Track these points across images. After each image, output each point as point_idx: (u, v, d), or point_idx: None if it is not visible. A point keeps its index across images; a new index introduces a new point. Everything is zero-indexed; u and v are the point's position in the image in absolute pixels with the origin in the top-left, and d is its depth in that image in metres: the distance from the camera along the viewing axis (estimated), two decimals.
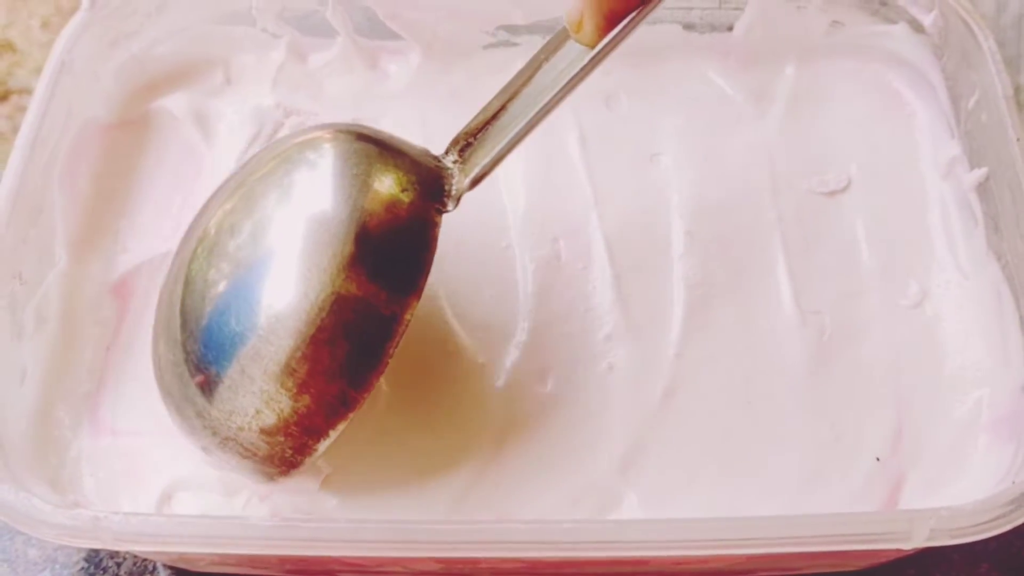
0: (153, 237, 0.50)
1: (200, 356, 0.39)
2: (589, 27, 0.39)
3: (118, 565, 0.49)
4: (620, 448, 0.44)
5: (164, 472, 0.44)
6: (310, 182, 0.39)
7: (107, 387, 0.46)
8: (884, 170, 0.52)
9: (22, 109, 0.53)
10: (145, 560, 0.49)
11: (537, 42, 0.55)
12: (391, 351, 0.37)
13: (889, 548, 0.37)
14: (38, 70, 0.51)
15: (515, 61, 0.55)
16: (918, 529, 0.36)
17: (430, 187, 0.39)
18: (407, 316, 0.37)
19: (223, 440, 0.39)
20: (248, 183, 0.40)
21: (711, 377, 0.46)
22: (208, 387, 0.39)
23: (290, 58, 0.56)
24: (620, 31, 0.39)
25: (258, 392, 0.38)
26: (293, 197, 0.39)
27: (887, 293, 0.48)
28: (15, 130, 0.49)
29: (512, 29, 0.55)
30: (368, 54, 0.56)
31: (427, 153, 0.41)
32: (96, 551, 0.49)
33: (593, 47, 0.39)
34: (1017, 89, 0.59)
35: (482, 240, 0.50)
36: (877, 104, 0.54)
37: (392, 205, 0.38)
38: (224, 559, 0.43)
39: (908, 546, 0.37)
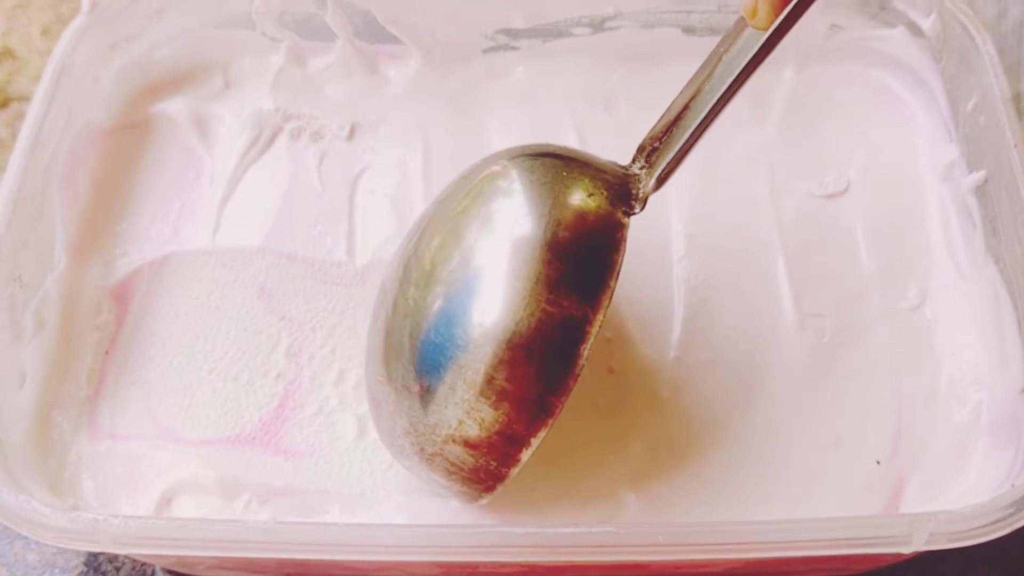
0: (153, 241, 0.50)
1: (406, 375, 0.39)
2: (763, 10, 0.39)
3: (117, 569, 0.49)
4: (620, 451, 0.44)
5: (163, 476, 0.44)
6: (505, 208, 0.39)
7: (106, 391, 0.46)
8: (883, 173, 0.52)
9: (22, 116, 0.53)
10: (144, 564, 0.49)
11: (537, 46, 0.55)
12: (585, 353, 0.37)
13: (888, 552, 0.37)
14: (38, 77, 0.51)
15: (515, 65, 0.56)
16: (917, 533, 0.36)
17: (617, 192, 0.39)
18: (598, 317, 0.37)
19: (430, 457, 0.39)
20: (451, 218, 0.40)
21: (711, 380, 0.46)
22: (414, 404, 0.39)
23: (289, 62, 0.56)
24: (794, 8, 0.39)
25: (459, 403, 0.38)
26: (492, 223, 0.39)
27: (887, 296, 0.48)
28: (15, 137, 0.49)
29: (512, 33, 0.55)
30: (367, 58, 0.56)
31: (613, 163, 0.41)
32: (95, 555, 0.49)
33: (767, 29, 0.40)
34: (1017, 96, 0.59)
35: None
36: (876, 107, 0.54)
37: (581, 214, 0.38)
38: (222, 562, 0.43)
39: (907, 550, 0.37)
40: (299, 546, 0.37)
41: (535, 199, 0.39)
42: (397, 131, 0.54)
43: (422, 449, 0.40)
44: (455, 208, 0.40)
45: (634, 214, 0.39)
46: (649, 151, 0.41)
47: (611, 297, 0.37)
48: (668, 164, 0.40)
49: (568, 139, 0.53)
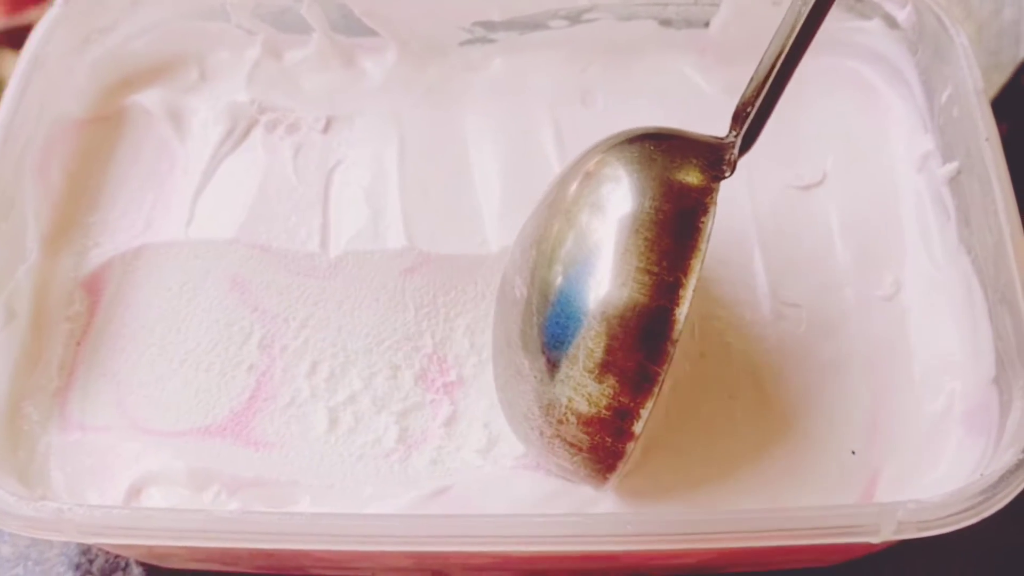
0: (125, 232, 0.50)
1: (520, 359, 0.40)
2: None
3: (90, 562, 0.49)
4: None
5: (132, 467, 0.43)
6: (607, 192, 0.39)
7: (76, 382, 0.46)
8: (859, 164, 0.52)
9: None
10: (118, 557, 0.49)
11: (514, 38, 0.55)
12: (680, 318, 0.37)
13: (857, 542, 0.37)
14: None
15: (492, 58, 0.56)
16: (885, 523, 0.36)
17: (707, 160, 0.40)
18: (690, 280, 0.37)
19: (550, 440, 0.40)
20: (565, 208, 0.40)
21: (688, 371, 0.46)
22: (527, 387, 0.40)
23: (265, 55, 0.55)
24: None
25: (566, 380, 0.38)
26: (599, 207, 0.39)
27: (862, 285, 0.48)
28: None
29: (488, 25, 0.55)
30: (344, 51, 0.56)
31: (710, 136, 0.42)
32: (68, 548, 0.49)
33: None
34: (1007, 88, 0.59)
35: (456, 235, 0.49)
36: (852, 99, 0.54)
37: (667, 182, 0.39)
38: (194, 554, 0.43)
39: (876, 540, 0.36)
40: (266, 535, 0.37)
41: (630, 179, 0.39)
42: (373, 124, 0.54)
43: (541, 433, 0.40)
44: (568, 197, 0.40)
45: (724, 178, 0.39)
46: (742, 117, 0.41)
47: (702, 260, 0.37)
48: (751, 125, 0.41)
49: (545, 132, 0.53)
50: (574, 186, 0.40)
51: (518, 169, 0.52)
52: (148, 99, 0.54)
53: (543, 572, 0.46)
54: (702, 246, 0.37)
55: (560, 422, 0.39)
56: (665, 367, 0.37)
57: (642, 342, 0.37)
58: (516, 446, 0.44)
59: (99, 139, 0.53)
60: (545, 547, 0.37)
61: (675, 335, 0.36)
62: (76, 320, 0.48)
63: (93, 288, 0.48)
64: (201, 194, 0.51)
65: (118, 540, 0.37)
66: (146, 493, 0.43)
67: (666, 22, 0.55)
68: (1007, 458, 0.37)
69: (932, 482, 0.42)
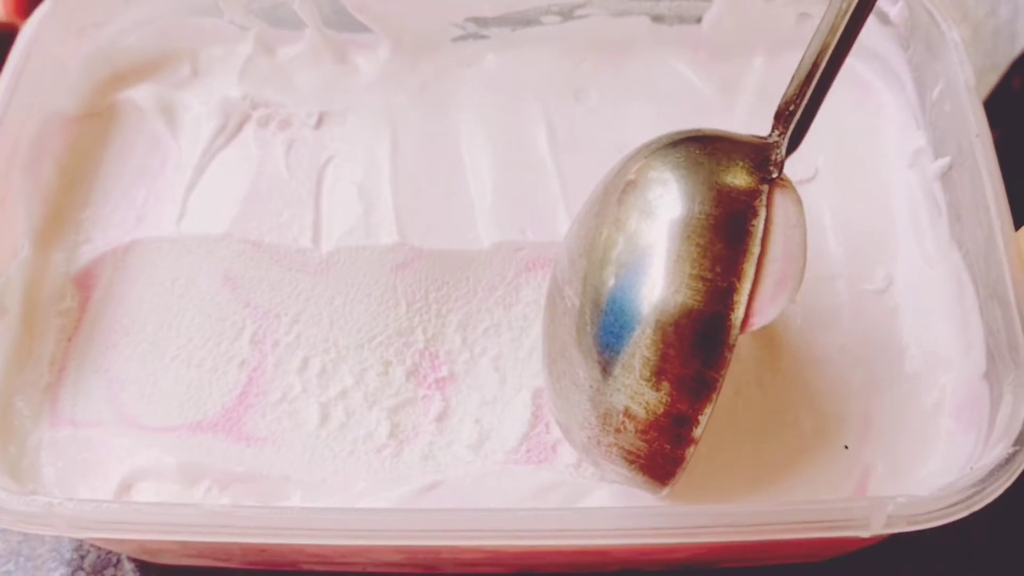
0: (117, 228, 0.50)
1: (573, 369, 0.40)
2: None
3: (82, 558, 0.49)
4: None
5: (124, 462, 0.43)
6: (654, 196, 0.39)
7: (68, 378, 0.46)
8: (851, 160, 0.52)
9: None
10: (110, 553, 0.48)
11: (507, 34, 0.55)
12: (736, 322, 0.36)
13: (846, 536, 0.37)
14: None
15: (484, 54, 0.56)
16: (875, 516, 0.36)
17: (753, 162, 0.39)
18: (743, 285, 0.37)
19: (607, 448, 0.39)
20: (612, 214, 0.40)
21: None
22: (583, 397, 0.39)
23: (258, 50, 0.55)
24: None
25: (622, 389, 0.38)
26: (647, 212, 0.39)
27: (854, 279, 0.48)
28: None
29: (481, 21, 0.55)
30: (337, 47, 0.56)
31: (752, 136, 0.41)
32: (60, 544, 0.49)
33: None
34: (1011, 91, 0.59)
35: (448, 231, 0.49)
36: (845, 95, 0.54)
37: (715, 187, 0.38)
38: (186, 549, 0.43)
39: (866, 533, 0.36)
40: (256, 530, 0.37)
41: (678, 184, 0.39)
42: (366, 119, 0.54)
43: (599, 442, 0.39)
44: (616, 204, 0.40)
45: (772, 179, 0.39)
46: (785, 116, 0.41)
47: (755, 263, 0.37)
48: (797, 124, 0.40)
49: (538, 128, 0.53)
50: (620, 193, 0.40)
51: (510, 165, 0.52)
52: (140, 95, 0.53)
53: (534, 567, 0.46)
54: (754, 249, 0.37)
55: (617, 431, 0.38)
56: (723, 372, 0.36)
57: (699, 348, 0.37)
58: (507, 441, 0.44)
59: (91, 135, 0.53)
60: (536, 541, 0.37)
61: (732, 340, 0.36)
62: (67, 316, 0.48)
63: (84, 284, 0.48)
64: (193, 190, 0.51)
65: (109, 534, 0.37)
66: (137, 488, 0.43)
67: (658, 18, 0.55)
68: (997, 452, 0.37)
69: (923, 477, 0.42)
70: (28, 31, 0.51)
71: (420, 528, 0.37)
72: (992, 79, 0.60)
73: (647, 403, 0.37)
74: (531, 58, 0.56)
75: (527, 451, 0.44)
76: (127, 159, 0.52)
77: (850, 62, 0.54)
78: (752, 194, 0.38)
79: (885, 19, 0.53)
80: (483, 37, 0.56)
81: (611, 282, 0.38)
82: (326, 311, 0.48)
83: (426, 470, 0.44)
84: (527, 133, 0.53)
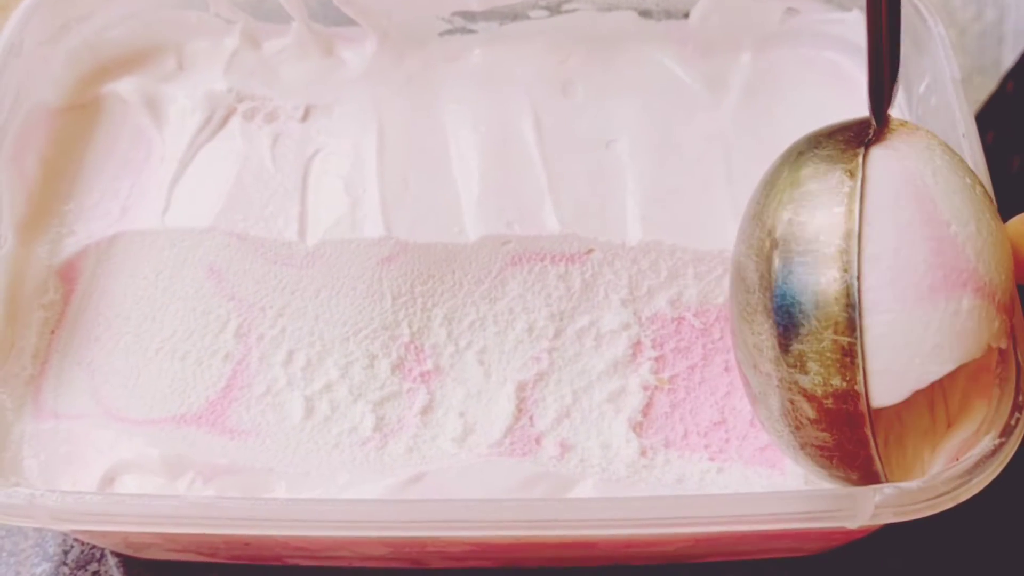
0: (100, 220, 0.50)
1: (756, 367, 0.38)
2: None
3: (65, 553, 0.48)
4: None
5: (106, 455, 0.43)
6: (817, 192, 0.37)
7: (51, 370, 0.46)
8: None
9: None
10: (93, 548, 0.48)
11: (494, 29, 0.55)
12: (850, 283, 0.35)
13: (833, 527, 0.37)
14: None
15: (472, 48, 0.56)
16: (862, 507, 0.36)
17: (853, 135, 0.38)
18: (852, 245, 0.35)
19: (801, 448, 0.38)
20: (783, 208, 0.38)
21: (668, 363, 0.46)
22: (771, 395, 0.38)
23: (244, 44, 0.55)
24: None
25: (781, 383, 0.37)
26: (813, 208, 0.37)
27: None
28: None
29: (468, 16, 0.55)
30: (323, 40, 0.55)
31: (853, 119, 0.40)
32: (44, 539, 0.49)
33: None
34: (993, 96, 0.60)
35: (434, 224, 0.49)
36: (831, 90, 0.54)
37: (813, 163, 0.38)
38: (170, 543, 0.43)
39: (853, 525, 0.36)
40: (240, 521, 0.37)
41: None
42: (352, 113, 0.54)
43: (795, 447, 0.38)
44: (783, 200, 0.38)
45: (870, 141, 0.38)
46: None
47: (860, 221, 0.35)
48: (872, 84, 0.40)
49: (525, 122, 0.53)
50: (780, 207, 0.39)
51: (497, 159, 0.52)
52: (125, 87, 0.53)
53: (521, 561, 0.45)
54: (855, 208, 0.36)
55: (797, 428, 0.37)
56: (857, 336, 0.35)
57: (824, 317, 0.35)
58: (491, 434, 0.44)
59: (75, 127, 0.53)
60: (520, 532, 0.37)
61: (852, 301, 0.35)
62: (51, 308, 0.47)
63: (68, 276, 0.48)
64: (178, 182, 0.51)
65: (92, 527, 0.37)
66: (120, 481, 0.43)
67: (646, 13, 0.55)
68: (984, 444, 0.37)
69: None
70: (12, 23, 0.51)
71: (404, 519, 0.36)
72: (979, 81, 0.60)
73: (804, 390, 0.36)
74: (518, 53, 0.56)
75: (511, 444, 0.44)
76: (111, 152, 0.52)
77: (836, 58, 0.55)
78: (850, 158, 0.37)
79: None
80: (470, 31, 0.56)
81: (777, 278, 0.37)
82: (311, 304, 0.47)
83: (410, 462, 0.43)
84: (514, 127, 0.53)
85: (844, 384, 0.35)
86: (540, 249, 0.49)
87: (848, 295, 0.35)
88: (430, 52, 0.56)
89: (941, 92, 0.47)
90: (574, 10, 0.55)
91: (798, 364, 0.36)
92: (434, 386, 0.46)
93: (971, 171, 0.38)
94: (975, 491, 0.37)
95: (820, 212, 0.36)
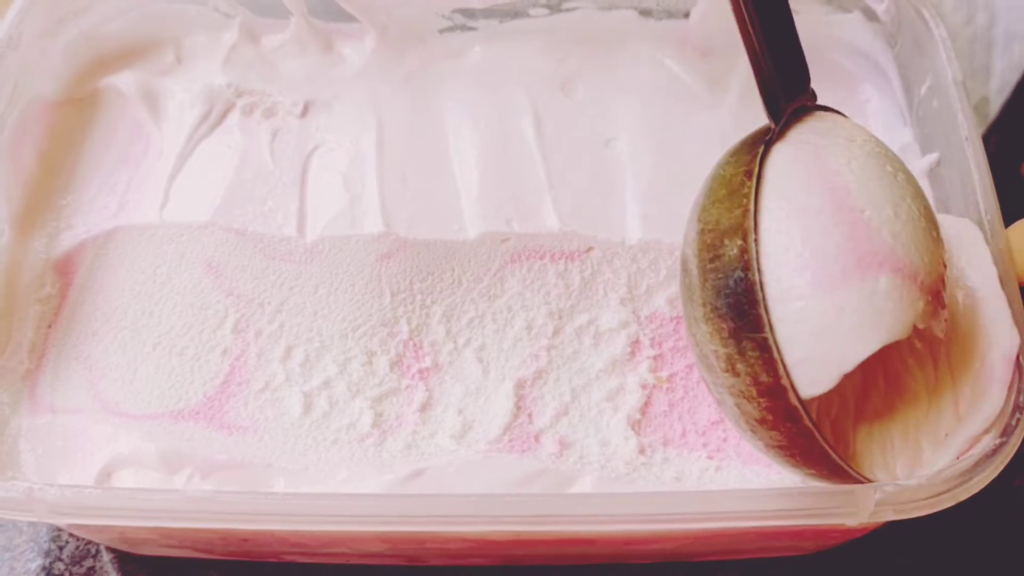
0: (98, 214, 0.49)
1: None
2: None
3: (60, 548, 0.48)
4: None
5: (104, 450, 0.43)
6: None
7: (47, 365, 0.46)
8: None
9: None
10: (88, 544, 0.48)
11: (494, 27, 0.55)
12: (754, 279, 0.35)
13: (835, 524, 0.37)
14: None
15: (471, 46, 0.56)
16: (863, 504, 0.36)
17: (759, 137, 0.39)
18: (749, 243, 0.36)
19: (766, 449, 0.38)
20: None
21: (667, 362, 0.46)
22: (722, 405, 0.38)
23: (243, 39, 0.55)
24: None
25: (724, 389, 0.37)
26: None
27: None
28: None
29: (468, 13, 0.55)
30: (323, 36, 0.55)
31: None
32: (39, 535, 0.48)
33: None
34: (984, 100, 0.60)
35: (433, 221, 0.49)
36: (832, 92, 0.53)
37: (720, 171, 0.39)
38: (167, 539, 0.43)
39: (854, 522, 0.36)
40: (238, 516, 0.36)
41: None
42: (351, 109, 0.53)
43: (761, 447, 0.38)
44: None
45: (770, 140, 0.38)
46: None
47: (756, 218, 0.36)
48: (762, 83, 0.40)
49: (525, 120, 0.53)
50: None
51: (497, 156, 0.52)
52: (123, 81, 0.53)
53: (520, 559, 0.45)
54: (751, 207, 0.36)
55: (752, 430, 0.37)
56: (768, 330, 0.35)
57: (736, 314, 0.36)
58: (489, 431, 0.44)
59: (73, 121, 0.52)
60: (520, 527, 0.37)
61: (757, 298, 0.35)
62: (47, 302, 0.47)
63: (65, 270, 0.48)
64: (176, 177, 0.51)
65: (90, 521, 0.37)
66: (117, 476, 0.42)
67: (646, 12, 0.55)
68: (984, 443, 0.37)
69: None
70: (10, 16, 0.50)
71: (404, 514, 0.36)
72: (971, 85, 0.60)
73: (741, 392, 0.36)
74: (518, 51, 0.56)
75: (510, 441, 0.44)
76: (109, 146, 0.52)
77: (837, 59, 0.55)
78: (749, 160, 0.38)
79: (872, 16, 0.53)
80: (470, 29, 0.55)
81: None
82: (310, 300, 0.47)
83: (409, 459, 0.43)
84: (514, 125, 0.53)
85: (770, 379, 0.36)
86: (539, 247, 0.48)
87: (752, 291, 0.35)
88: (430, 49, 0.55)
89: (943, 94, 0.48)
90: (574, 8, 0.55)
91: (730, 367, 0.36)
92: (433, 383, 0.46)
93: (896, 159, 0.38)
94: (975, 490, 0.37)
95: (725, 217, 0.37)
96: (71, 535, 0.48)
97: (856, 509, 0.36)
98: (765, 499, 0.37)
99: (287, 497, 0.38)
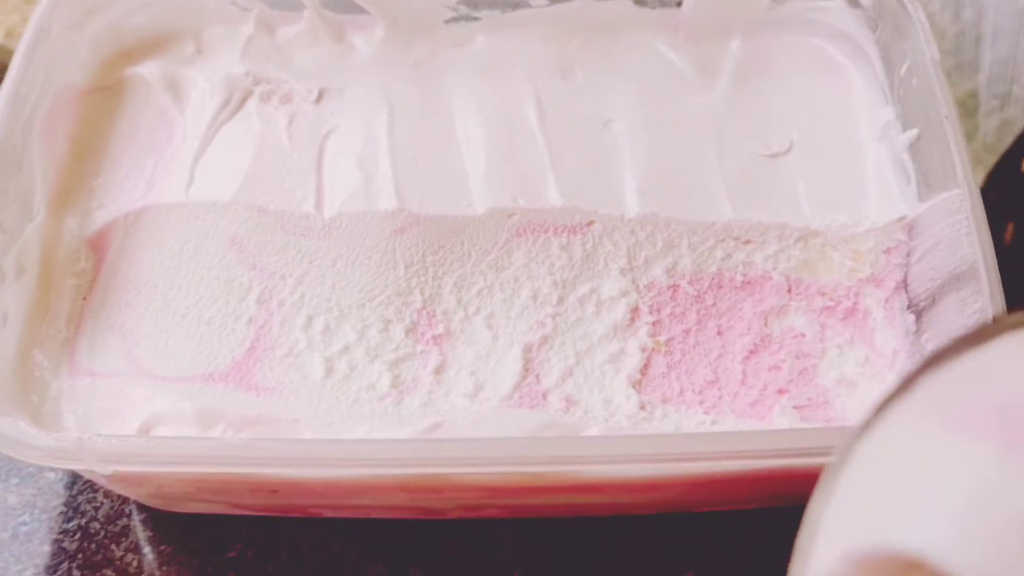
0: (128, 195, 0.52)
1: None
2: None
3: (96, 510, 0.51)
4: None
5: (141, 409, 0.45)
6: None
7: (84, 333, 0.48)
8: (823, 134, 0.55)
9: None
10: (122, 504, 0.51)
11: (497, 16, 0.58)
12: None
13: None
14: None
15: (475, 35, 0.59)
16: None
17: None
18: None
19: None
20: None
21: (664, 327, 0.49)
22: None
23: (259, 30, 0.58)
24: None
25: None
26: None
27: None
28: None
29: (472, 3, 0.58)
30: (334, 27, 0.58)
31: None
32: (73, 495, 0.51)
33: None
34: (972, 94, 0.62)
35: (443, 198, 0.52)
36: (817, 75, 0.57)
37: None
38: (200, 491, 0.45)
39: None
40: (274, 460, 0.39)
41: None
42: (363, 96, 0.56)
43: None
44: None
45: None
46: None
47: None
48: None
49: (527, 104, 0.56)
50: None
51: (502, 137, 0.54)
52: (147, 70, 0.56)
53: (531, 510, 0.48)
54: None
55: None
56: None
57: None
58: (500, 390, 0.47)
59: (101, 108, 0.55)
60: (532, 467, 0.40)
61: None
62: (82, 276, 0.50)
63: (98, 246, 0.51)
64: (200, 159, 0.53)
65: (135, 467, 0.39)
66: (155, 432, 0.45)
67: (640, 1, 0.58)
68: None
69: None
70: (40, 8, 0.53)
71: (425, 456, 0.39)
72: (957, 79, 0.63)
73: None
74: (520, 39, 0.58)
75: (519, 398, 0.47)
76: (136, 131, 0.55)
77: (822, 44, 0.58)
78: None
79: (855, 2, 0.56)
80: (474, 19, 0.58)
81: None
82: (328, 273, 0.50)
83: (427, 415, 0.46)
84: (517, 108, 0.56)
85: None
86: (543, 221, 0.51)
87: None
88: (436, 38, 0.58)
89: (922, 73, 0.51)
90: None
91: None
92: (446, 348, 0.48)
93: None
94: None
95: None
96: (105, 496, 0.51)
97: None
98: (760, 438, 0.40)
99: (318, 442, 0.41)
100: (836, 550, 0.25)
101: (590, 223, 0.51)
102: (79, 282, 0.50)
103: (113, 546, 0.50)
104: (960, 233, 0.45)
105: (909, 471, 0.25)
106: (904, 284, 0.50)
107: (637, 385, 0.48)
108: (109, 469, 0.39)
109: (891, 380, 0.47)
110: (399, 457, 0.39)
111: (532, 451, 0.39)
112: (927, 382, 0.25)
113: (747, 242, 0.51)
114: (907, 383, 0.26)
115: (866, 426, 0.26)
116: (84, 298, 0.49)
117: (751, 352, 0.49)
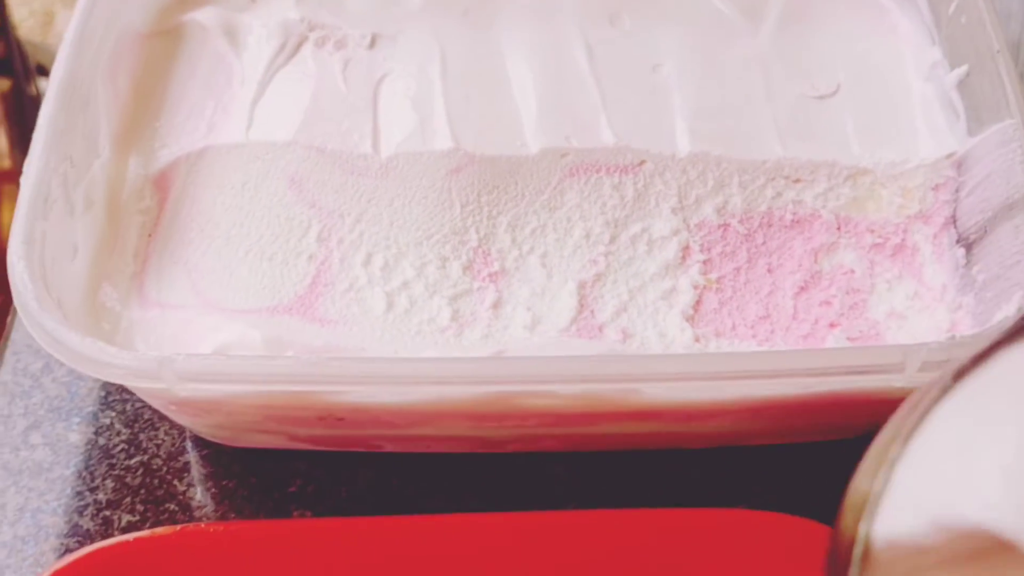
0: (189, 136, 0.53)
1: None
2: None
3: (157, 447, 0.52)
4: None
5: (211, 338, 0.47)
6: None
7: (151, 268, 0.49)
8: (870, 76, 0.55)
9: None
10: (183, 441, 0.52)
11: None
12: None
13: (882, 386, 0.40)
14: None
15: None
16: (911, 362, 0.40)
17: None
18: None
19: None
20: None
21: (715, 266, 0.50)
22: None
23: None
24: None
25: None
26: None
27: None
28: None
29: None
30: None
31: None
32: (135, 433, 0.52)
33: None
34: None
35: (498, 139, 0.53)
36: (862, 18, 0.58)
37: None
38: (266, 420, 0.46)
39: (902, 380, 0.40)
40: (349, 377, 0.40)
41: None
42: (415, 42, 0.57)
43: None
44: None
45: None
46: None
47: None
48: None
49: (577, 49, 0.56)
50: None
51: (553, 81, 0.55)
52: (205, 16, 0.57)
53: (589, 442, 0.49)
54: None
55: None
56: None
57: None
58: (558, 323, 0.48)
59: (161, 52, 0.56)
60: (601, 384, 0.41)
61: None
62: (147, 213, 0.51)
63: (162, 185, 0.52)
64: (258, 102, 0.54)
65: (214, 386, 0.40)
66: None
67: None
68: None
69: None
70: None
71: (498, 373, 0.40)
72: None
73: None
74: None
75: (577, 330, 0.48)
76: (195, 74, 0.56)
77: None
78: None
79: None
80: None
81: None
82: (386, 211, 0.51)
83: (487, 345, 0.47)
84: (567, 53, 0.57)
85: None
86: (596, 161, 0.52)
87: None
88: None
89: (971, 10, 0.51)
90: None
91: None
92: (502, 285, 0.49)
93: None
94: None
95: None
96: (166, 433, 0.52)
97: (903, 366, 0.40)
98: (822, 356, 0.41)
99: (391, 361, 0.42)
100: (910, 506, 0.25)
101: (642, 163, 0.52)
102: (144, 219, 0.51)
103: (176, 481, 0.51)
104: (1014, 162, 0.46)
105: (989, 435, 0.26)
106: (953, 220, 0.51)
107: (690, 320, 0.49)
108: (188, 388, 0.40)
109: (941, 313, 0.48)
110: (470, 374, 0.40)
111: (599, 368, 0.40)
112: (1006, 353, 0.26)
113: (797, 180, 0.52)
114: (986, 352, 0.26)
115: (959, 374, 0.26)
116: (149, 235, 0.50)
117: (801, 288, 0.50)
